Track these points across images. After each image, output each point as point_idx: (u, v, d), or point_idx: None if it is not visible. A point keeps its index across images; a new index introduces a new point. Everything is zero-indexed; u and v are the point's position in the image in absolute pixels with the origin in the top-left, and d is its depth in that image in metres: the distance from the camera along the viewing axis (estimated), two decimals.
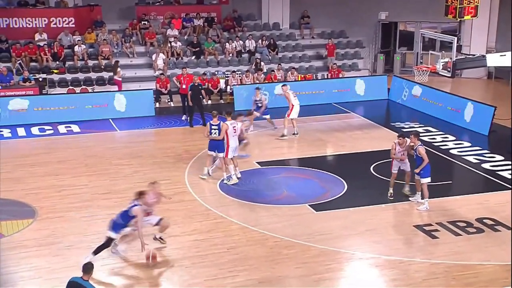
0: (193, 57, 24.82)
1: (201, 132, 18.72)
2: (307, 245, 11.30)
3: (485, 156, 16.28)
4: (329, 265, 10.66)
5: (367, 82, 23.04)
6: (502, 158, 16.04)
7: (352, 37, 27.52)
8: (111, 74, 23.29)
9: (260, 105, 18.79)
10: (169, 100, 22.17)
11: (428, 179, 12.79)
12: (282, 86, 18.98)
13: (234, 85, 22.28)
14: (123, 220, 10.53)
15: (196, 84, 19.86)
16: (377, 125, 19.55)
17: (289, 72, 23.52)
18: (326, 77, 24.23)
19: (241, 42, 25.51)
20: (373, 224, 12.25)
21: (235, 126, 14.35)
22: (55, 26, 24.29)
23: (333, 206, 13.13)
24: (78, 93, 21.66)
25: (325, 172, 15.15)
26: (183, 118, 19.94)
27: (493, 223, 12.20)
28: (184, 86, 20.26)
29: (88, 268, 8.17)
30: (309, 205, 13.12)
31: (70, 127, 19.34)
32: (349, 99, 22.33)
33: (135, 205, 10.55)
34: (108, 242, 10.55)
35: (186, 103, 20.01)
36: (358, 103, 22.09)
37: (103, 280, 10.18)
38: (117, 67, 22.70)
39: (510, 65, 17.15)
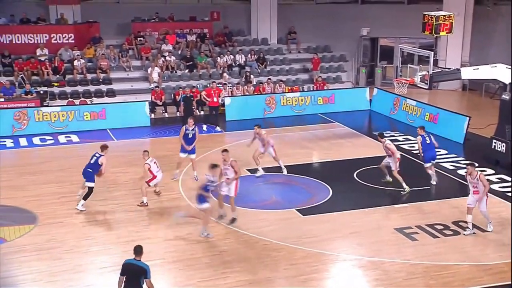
0: (187, 70, 24.84)
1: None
2: (294, 248, 11.31)
3: (461, 163, 16.39)
4: (315, 266, 10.67)
5: (350, 93, 23.15)
6: (477, 164, 16.12)
7: (336, 52, 27.68)
8: (109, 86, 23.28)
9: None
10: (163, 111, 22.15)
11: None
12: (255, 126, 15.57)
13: (225, 96, 22.31)
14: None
15: (188, 96, 19.91)
16: (359, 134, 19.63)
17: (277, 85, 23.61)
18: (312, 89, 24.33)
19: (231, 56, 25.57)
20: (357, 227, 12.29)
21: None
22: (55, 41, 24.25)
23: (319, 211, 13.16)
24: (77, 105, 21.56)
25: (311, 178, 15.18)
26: (204, 128, 19.80)
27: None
28: (215, 99, 20.57)
29: (138, 250, 8.43)
30: (296, 209, 13.13)
31: (69, 137, 19.26)
32: (333, 110, 22.43)
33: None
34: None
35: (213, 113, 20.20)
36: (341, 114, 22.16)
37: (98, 279, 10.14)
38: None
39: (483, 78, 17.32)
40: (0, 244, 11.34)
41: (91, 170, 13.06)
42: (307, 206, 13.35)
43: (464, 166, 15.97)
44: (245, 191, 14.23)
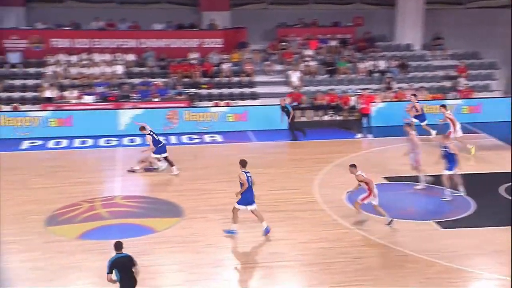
0: (327, 75, 24.85)
1: (328, 146, 18.62)
2: (431, 261, 10.82)
3: None
4: (454, 283, 10.13)
5: (501, 103, 21.57)
6: None
7: (486, 59, 25.98)
8: (253, 89, 24.01)
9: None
10: (302, 115, 22.27)
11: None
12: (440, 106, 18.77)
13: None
14: None
15: (290, 104, 20.05)
16: (508, 146, 18.21)
17: (418, 91, 22.73)
18: (456, 97, 23.07)
19: (372, 62, 25.10)
20: (501, 245, 11.42)
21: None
22: (206, 46, 25.52)
23: (460, 224, 12.47)
24: (222, 106, 22.48)
25: (451, 190, 14.38)
26: (358, 136, 20.00)
27: None
28: (366, 106, 20.46)
29: (119, 245, 8.86)
30: (434, 221, 12.55)
31: (214, 137, 20.18)
32: (480, 120, 21.06)
33: None
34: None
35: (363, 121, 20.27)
36: (488, 124, 20.73)
37: (235, 275, 10.49)
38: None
39: None
40: (150, 234, 12.21)
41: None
42: (447, 219, 12.69)
43: None
44: (382, 199, 13.89)
